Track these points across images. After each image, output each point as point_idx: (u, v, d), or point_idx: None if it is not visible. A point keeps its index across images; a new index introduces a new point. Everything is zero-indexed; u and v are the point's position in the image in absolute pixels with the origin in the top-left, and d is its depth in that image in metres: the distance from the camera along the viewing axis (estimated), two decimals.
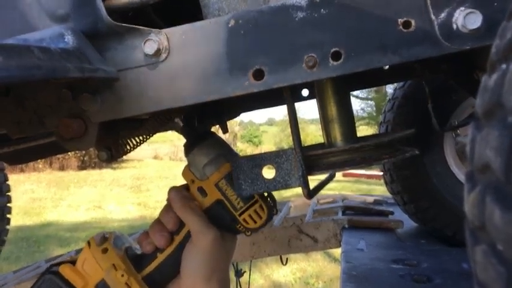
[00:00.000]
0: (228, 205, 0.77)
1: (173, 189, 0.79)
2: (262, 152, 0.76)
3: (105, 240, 0.78)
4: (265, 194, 0.80)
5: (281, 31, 0.57)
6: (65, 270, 0.76)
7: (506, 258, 0.30)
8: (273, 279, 4.69)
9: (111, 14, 0.59)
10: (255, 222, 0.78)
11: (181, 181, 0.83)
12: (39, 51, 0.47)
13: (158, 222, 0.79)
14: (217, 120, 1.12)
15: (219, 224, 0.77)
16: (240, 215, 0.77)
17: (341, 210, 1.86)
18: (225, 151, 0.80)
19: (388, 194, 1.65)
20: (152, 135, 0.89)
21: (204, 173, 0.78)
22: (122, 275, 0.74)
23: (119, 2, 0.62)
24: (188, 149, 0.80)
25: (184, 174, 0.81)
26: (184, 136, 0.83)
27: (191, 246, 0.76)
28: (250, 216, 0.77)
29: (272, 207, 0.80)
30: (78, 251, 0.82)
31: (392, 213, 1.76)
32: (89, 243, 0.78)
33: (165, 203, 0.81)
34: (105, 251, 0.76)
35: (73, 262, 0.77)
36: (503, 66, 0.34)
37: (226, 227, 0.79)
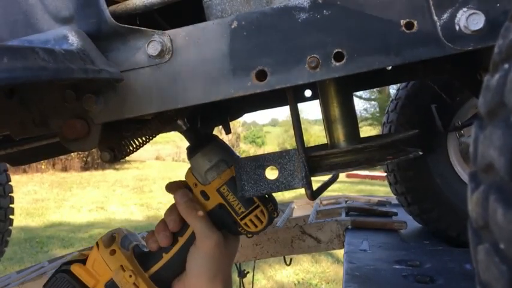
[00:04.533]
0: (230, 209, 0.79)
1: (179, 192, 0.80)
2: (266, 152, 0.76)
3: (113, 241, 0.80)
4: (266, 196, 0.81)
5: (284, 32, 0.57)
6: (77, 269, 0.79)
7: (508, 257, 0.30)
8: (276, 279, 4.69)
9: (117, 19, 0.59)
10: (256, 226, 0.79)
11: None
12: (43, 52, 0.47)
13: (162, 222, 0.81)
14: (220, 121, 1.12)
15: (221, 226, 0.79)
16: (241, 219, 0.79)
17: (344, 211, 1.86)
18: (227, 155, 0.81)
19: (391, 195, 1.65)
20: (155, 136, 0.89)
21: (206, 178, 0.79)
22: (130, 276, 0.77)
23: (124, 8, 0.63)
24: (191, 152, 0.81)
25: (187, 177, 0.82)
26: (188, 139, 0.83)
27: (195, 249, 0.78)
28: (251, 220, 0.79)
29: (273, 210, 0.81)
30: (81, 252, 0.84)
31: (396, 214, 1.76)
32: (97, 244, 0.80)
33: (168, 203, 0.82)
34: (113, 252, 0.79)
35: (82, 261, 0.80)
36: (506, 66, 0.34)
37: (228, 229, 0.81)
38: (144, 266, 0.79)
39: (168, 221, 0.79)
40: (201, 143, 0.81)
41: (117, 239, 0.81)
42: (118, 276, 0.77)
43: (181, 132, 0.87)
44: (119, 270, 0.77)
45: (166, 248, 0.79)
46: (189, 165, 0.83)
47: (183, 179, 0.84)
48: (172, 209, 0.80)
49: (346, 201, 2.13)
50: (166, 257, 0.79)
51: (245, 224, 0.79)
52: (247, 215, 0.78)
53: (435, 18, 0.54)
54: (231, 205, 0.78)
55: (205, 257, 0.77)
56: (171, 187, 0.83)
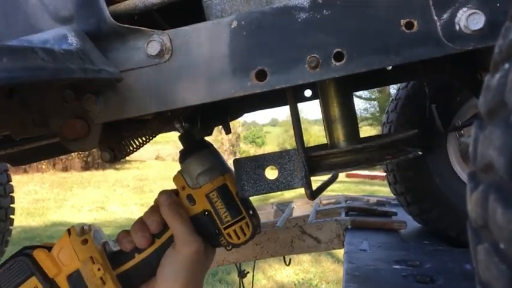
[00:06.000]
0: (215, 217, 0.78)
1: (164, 193, 0.79)
2: (265, 152, 0.76)
3: (86, 231, 0.78)
4: (251, 212, 0.80)
5: (283, 32, 0.57)
6: (39, 255, 0.75)
7: (508, 256, 0.30)
8: (276, 279, 4.69)
9: (117, 19, 0.59)
10: (239, 238, 0.78)
11: None
12: (43, 52, 0.47)
13: (141, 222, 0.79)
14: (220, 121, 1.12)
15: (202, 234, 0.78)
16: (225, 228, 0.78)
17: (344, 211, 1.86)
18: (220, 163, 0.81)
19: (391, 195, 1.65)
20: (155, 136, 0.90)
21: (197, 181, 0.78)
22: (99, 269, 0.74)
23: (124, 7, 0.63)
24: (184, 155, 0.80)
25: (175, 179, 0.81)
26: (182, 143, 0.83)
27: (173, 252, 0.76)
28: (235, 231, 0.78)
29: (257, 225, 0.80)
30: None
31: (395, 214, 1.76)
32: (69, 232, 0.77)
33: None
34: (85, 242, 0.76)
35: (48, 248, 0.76)
36: (506, 65, 0.34)
37: (208, 238, 0.79)
38: (113, 263, 0.77)
39: (149, 222, 0.78)
40: (197, 148, 0.80)
41: (90, 230, 0.78)
42: (86, 268, 0.74)
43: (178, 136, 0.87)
44: (87, 262, 0.74)
45: (140, 249, 0.77)
46: None
47: None
48: (154, 210, 0.79)
49: (345, 201, 2.13)
50: (138, 258, 0.77)
51: (228, 234, 0.78)
52: (232, 224, 0.77)
53: (435, 18, 0.54)
54: (217, 212, 0.77)
55: (181, 262, 0.75)
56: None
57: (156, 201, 0.80)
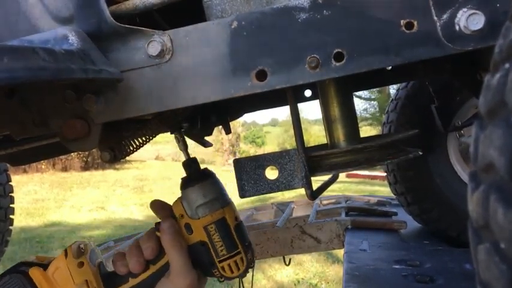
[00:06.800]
0: (211, 249, 0.77)
1: (168, 221, 0.77)
2: (266, 152, 0.76)
3: (82, 253, 0.77)
4: (246, 244, 0.80)
5: (284, 32, 0.57)
6: (35, 274, 0.74)
7: (508, 256, 0.30)
8: (276, 279, 4.69)
9: (117, 19, 0.59)
10: (232, 272, 0.78)
11: None
12: (44, 52, 0.47)
13: (137, 246, 0.78)
14: (220, 121, 1.12)
15: (196, 264, 0.77)
16: (220, 262, 0.77)
17: (344, 211, 1.86)
18: (221, 195, 0.79)
19: (391, 195, 1.65)
20: (155, 136, 0.89)
21: (196, 213, 0.77)
22: None
23: (124, 7, 0.63)
24: (187, 183, 0.79)
25: (174, 206, 0.80)
26: (186, 170, 0.81)
27: (167, 282, 0.75)
28: (229, 265, 0.77)
29: (251, 260, 0.80)
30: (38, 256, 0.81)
31: (395, 214, 1.76)
32: (66, 252, 0.76)
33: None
34: (81, 265, 0.75)
35: (43, 265, 0.76)
36: (507, 65, 0.34)
37: (202, 268, 0.78)
38: (107, 286, 0.76)
39: (144, 247, 0.76)
40: (199, 177, 0.79)
41: (86, 251, 0.77)
42: None
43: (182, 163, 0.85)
44: (82, 285, 0.74)
45: (134, 274, 0.76)
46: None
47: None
48: (151, 235, 0.78)
49: (346, 201, 2.13)
50: (132, 282, 0.76)
51: (222, 267, 0.77)
52: (228, 259, 0.77)
53: (435, 18, 0.54)
54: (214, 245, 0.76)
55: None
56: (156, 208, 0.81)
57: (156, 224, 0.79)
